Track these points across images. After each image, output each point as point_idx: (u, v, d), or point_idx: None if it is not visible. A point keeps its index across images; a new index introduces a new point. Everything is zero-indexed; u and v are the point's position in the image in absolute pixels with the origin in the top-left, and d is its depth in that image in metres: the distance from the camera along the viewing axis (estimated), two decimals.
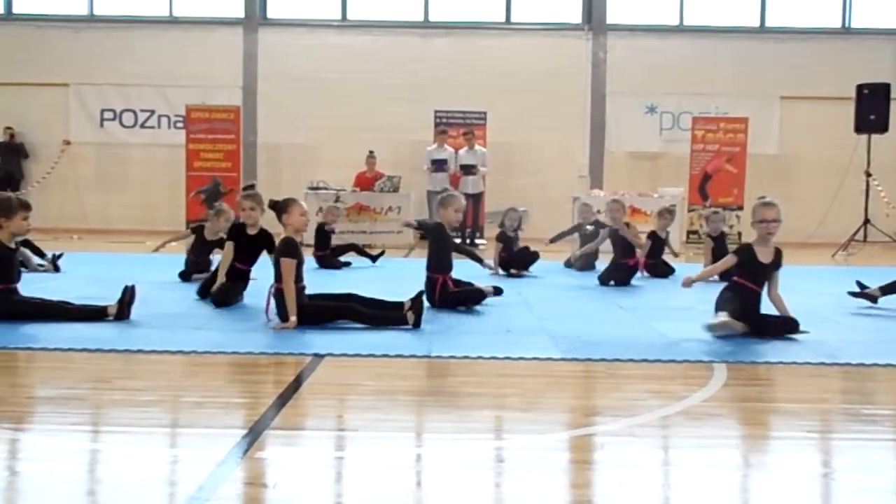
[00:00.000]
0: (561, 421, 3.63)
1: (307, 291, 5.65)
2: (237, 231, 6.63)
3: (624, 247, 8.52)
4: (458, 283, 6.53)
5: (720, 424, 3.62)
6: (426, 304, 5.71)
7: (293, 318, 5.36)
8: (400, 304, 5.61)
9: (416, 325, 5.46)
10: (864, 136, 13.22)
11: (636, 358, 4.68)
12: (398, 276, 8.13)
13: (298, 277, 5.51)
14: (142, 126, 16.38)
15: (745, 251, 5.60)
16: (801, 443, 3.32)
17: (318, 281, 6.96)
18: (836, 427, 3.63)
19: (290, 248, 5.48)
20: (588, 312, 6.48)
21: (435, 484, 2.79)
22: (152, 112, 16.34)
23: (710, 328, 5.26)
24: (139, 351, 4.69)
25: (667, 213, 9.37)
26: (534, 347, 4.90)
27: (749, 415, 3.72)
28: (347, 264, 9.77)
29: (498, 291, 6.66)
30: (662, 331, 5.58)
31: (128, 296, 5.64)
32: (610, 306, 6.81)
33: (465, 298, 6.39)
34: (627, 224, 8.69)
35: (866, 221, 13.00)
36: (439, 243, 6.54)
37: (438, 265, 6.45)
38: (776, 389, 4.14)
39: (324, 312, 5.54)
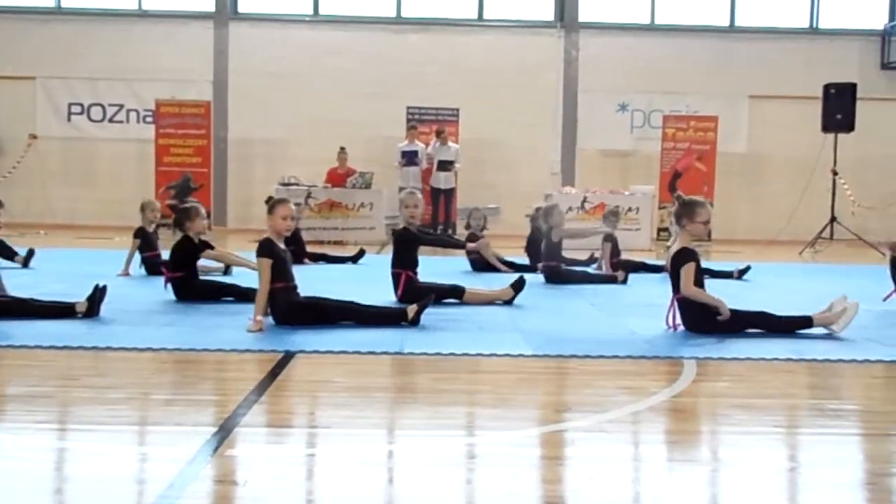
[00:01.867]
0: (532, 417, 3.65)
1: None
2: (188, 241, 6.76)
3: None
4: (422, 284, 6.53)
5: (689, 420, 3.66)
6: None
7: (259, 318, 5.24)
8: (403, 311, 5.58)
9: (415, 321, 5.46)
10: (831, 135, 13.40)
11: (607, 354, 4.72)
12: (372, 274, 8.11)
13: (285, 276, 5.42)
14: (110, 120, 16.16)
15: (695, 256, 5.37)
16: (768, 438, 3.37)
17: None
18: (802, 422, 3.69)
19: (262, 248, 5.37)
20: (559, 309, 6.51)
21: (407, 480, 2.79)
22: (121, 106, 16.14)
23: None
24: (107, 348, 4.64)
25: (611, 216, 9.41)
26: (505, 344, 4.92)
27: (717, 410, 3.76)
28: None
29: (459, 292, 6.61)
30: (632, 328, 5.62)
31: (98, 294, 5.58)
32: (581, 303, 6.86)
33: (428, 293, 6.35)
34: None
35: (833, 219, 13.19)
36: (400, 244, 6.57)
37: (401, 262, 6.50)
38: (744, 385, 4.20)
39: (325, 311, 5.49)
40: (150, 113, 15.58)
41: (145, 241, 8.20)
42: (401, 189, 13.48)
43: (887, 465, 3.08)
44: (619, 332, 5.52)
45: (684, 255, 5.35)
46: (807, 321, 5.39)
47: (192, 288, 6.56)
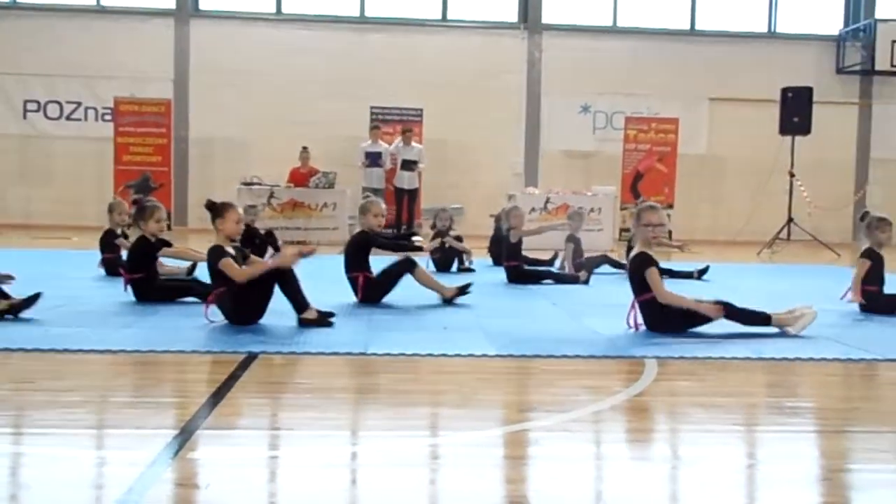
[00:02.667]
0: (496, 417, 3.66)
1: None
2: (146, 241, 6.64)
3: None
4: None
5: (651, 418, 3.70)
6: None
7: (290, 252, 5.31)
8: (307, 305, 5.41)
9: (301, 324, 5.34)
10: (788, 138, 13.65)
11: (569, 354, 4.75)
12: (330, 275, 8.07)
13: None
14: (67, 118, 15.91)
15: (653, 259, 5.38)
16: (727, 435, 3.42)
17: None
18: (760, 420, 3.75)
19: (214, 255, 5.31)
20: (522, 309, 6.54)
21: (370, 482, 2.78)
22: (78, 104, 15.89)
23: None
24: (65, 350, 4.56)
25: (576, 216, 9.46)
26: (469, 344, 4.92)
27: (678, 409, 3.80)
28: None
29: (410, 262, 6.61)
30: (595, 327, 5.66)
31: (31, 300, 5.43)
32: (543, 303, 6.89)
33: (390, 286, 6.40)
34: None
35: (790, 220, 13.43)
36: (356, 248, 6.58)
37: (357, 265, 6.52)
38: (704, 384, 4.25)
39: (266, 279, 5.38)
40: (108, 111, 15.35)
41: (109, 241, 8.09)
42: (364, 189, 13.47)
43: (842, 460, 3.14)
44: (581, 331, 5.56)
45: (642, 260, 5.39)
46: (765, 318, 5.48)
47: (152, 289, 6.47)
